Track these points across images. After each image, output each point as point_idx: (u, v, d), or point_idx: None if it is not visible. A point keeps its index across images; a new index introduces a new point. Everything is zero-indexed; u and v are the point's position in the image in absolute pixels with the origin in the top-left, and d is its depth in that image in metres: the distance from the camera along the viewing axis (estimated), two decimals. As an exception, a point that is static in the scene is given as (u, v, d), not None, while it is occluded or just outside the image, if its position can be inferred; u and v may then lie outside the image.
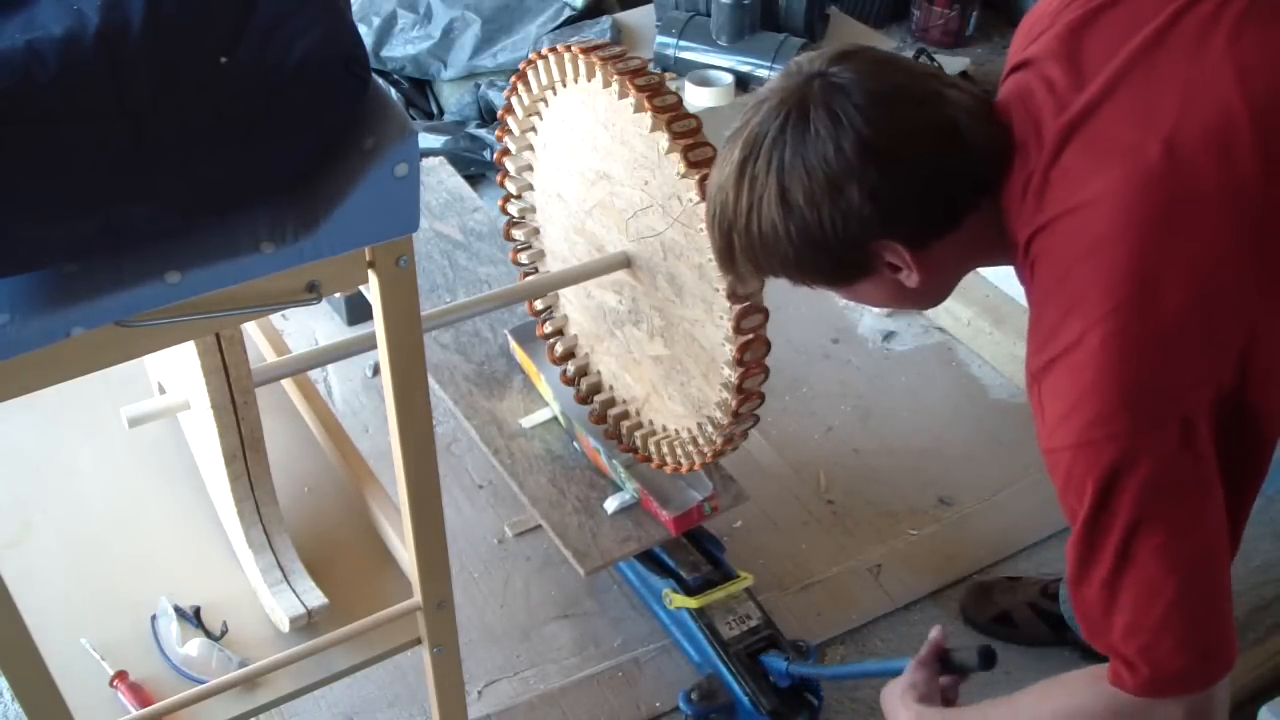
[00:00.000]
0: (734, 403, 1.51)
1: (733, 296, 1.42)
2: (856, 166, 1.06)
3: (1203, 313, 1.03)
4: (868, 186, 1.07)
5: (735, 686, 1.73)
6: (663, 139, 1.41)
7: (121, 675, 1.28)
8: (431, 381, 1.82)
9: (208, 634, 1.33)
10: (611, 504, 1.75)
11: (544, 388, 1.89)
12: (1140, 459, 1.02)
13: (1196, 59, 1.07)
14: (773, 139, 1.09)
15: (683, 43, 2.52)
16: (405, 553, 1.32)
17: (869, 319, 2.56)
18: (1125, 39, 1.10)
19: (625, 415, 1.77)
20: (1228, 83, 1.05)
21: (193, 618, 1.35)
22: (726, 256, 1.18)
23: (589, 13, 2.93)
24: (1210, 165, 1.03)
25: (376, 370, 2.38)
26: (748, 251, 1.15)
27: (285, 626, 1.32)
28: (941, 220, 1.12)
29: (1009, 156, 1.11)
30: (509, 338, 1.95)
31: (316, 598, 1.33)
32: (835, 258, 1.13)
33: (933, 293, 1.21)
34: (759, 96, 1.13)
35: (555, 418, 1.88)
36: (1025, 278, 1.13)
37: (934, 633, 1.41)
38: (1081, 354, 1.03)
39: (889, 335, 2.53)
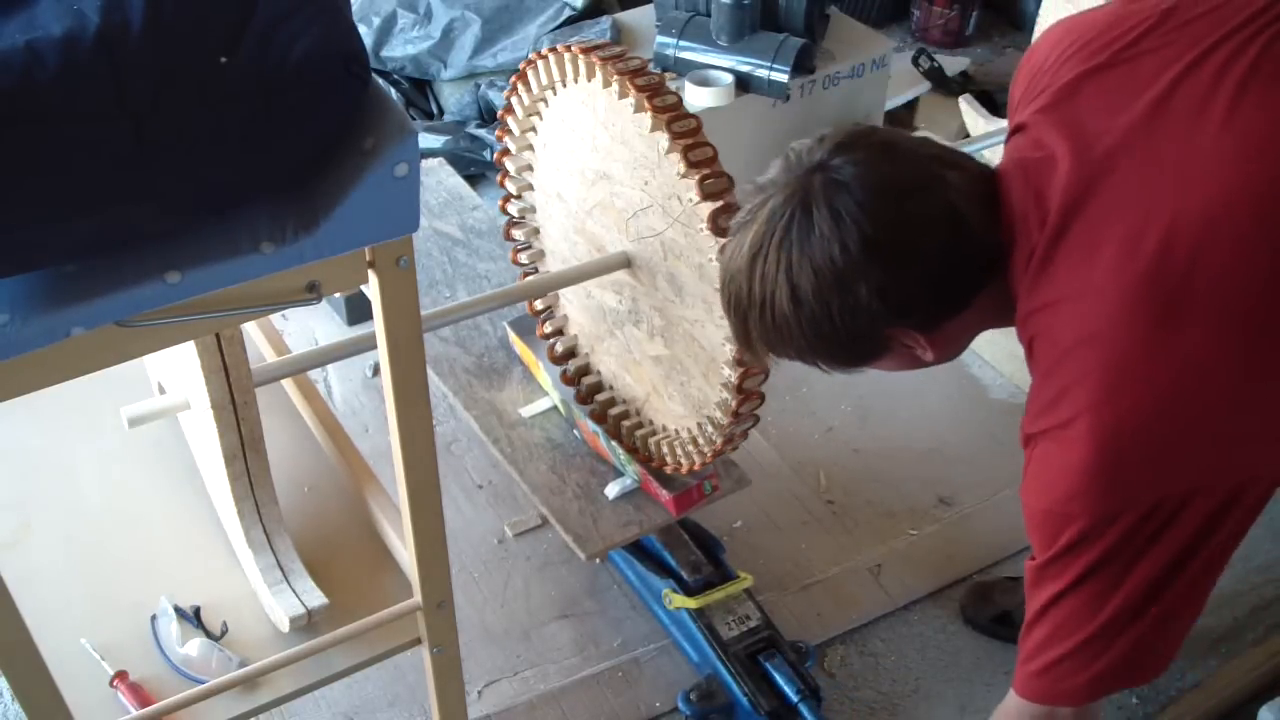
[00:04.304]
0: (734, 403, 1.51)
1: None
2: (862, 264, 1.08)
3: (1191, 412, 1.06)
4: (875, 284, 1.09)
5: (734, 687, 1.73)
6: (663, 139, 1.41)
7: (121, 675, 1.28)
8: (431, 374, 1.81)
9: (208, 634, 1.33)
10: (613, 489, 1.75)
11: (543, 377, 1.89)
12: (1101, 537, 1.09)
13: (1195, 135, 1.06)
14: (779, 239, 1.10)
15: (683, 43, 2.52)
16: (405, 553, 1.32)
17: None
18: (1124, 108, 1.10)
19: (625, 415, 1.77)
20: (1227, 164, 1.05)
21: (193, 618, 1.35)
22: (743, 338, 1.20)
23: (589, 13, 2.93)
24: (1208, 259, 1.03)
25: (376, 370, 2.38)
26: (763, 337, 1.17)
27: (285, 626, 1.32)
28: (951, 304, 1.16)
29: (1013, 231, 1.12)
30: (508, 329, 1.95)
31: (316, 598, 1.33)
32: (847, 347, 1.16)
33: (947, 357, 1.24)
34: (762, 188, 1.14)
35: (555, 407, 1.88)
36: (1025, 345, 1.16)
37: None
38: (1070, 434, 1.08)
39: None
